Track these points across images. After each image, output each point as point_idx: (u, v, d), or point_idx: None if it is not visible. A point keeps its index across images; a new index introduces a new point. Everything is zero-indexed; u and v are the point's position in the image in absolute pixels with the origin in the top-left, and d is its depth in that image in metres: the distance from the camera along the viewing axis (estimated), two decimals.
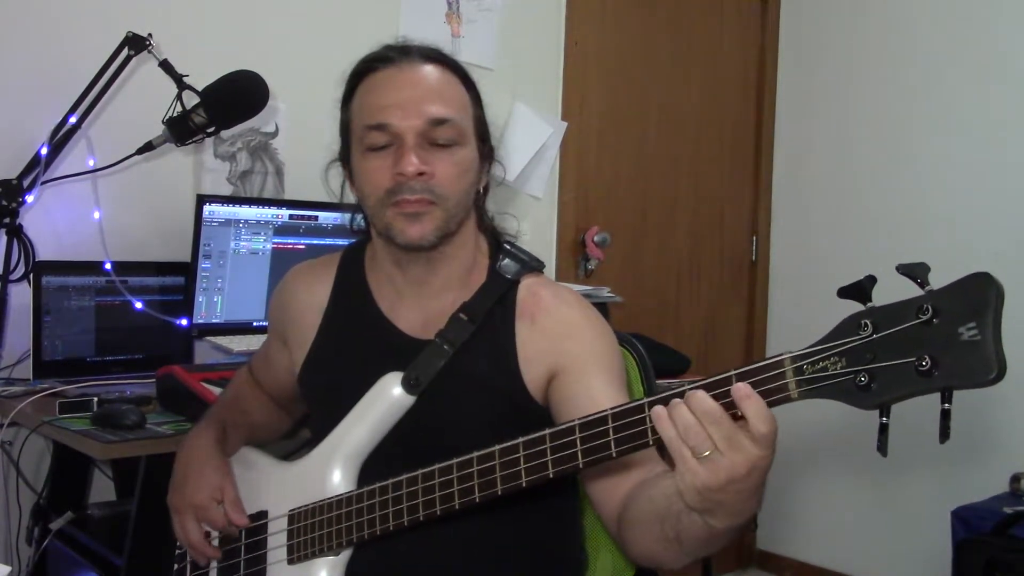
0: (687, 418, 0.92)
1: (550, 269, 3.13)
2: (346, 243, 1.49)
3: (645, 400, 0.98)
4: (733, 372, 0.92)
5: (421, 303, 1.35)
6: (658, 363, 1.66)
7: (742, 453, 0.90)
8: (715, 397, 0.92)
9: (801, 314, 3.65)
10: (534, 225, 3.10)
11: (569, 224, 3.24)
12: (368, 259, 1.43)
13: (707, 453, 0.91)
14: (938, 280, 0.84)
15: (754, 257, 3.81)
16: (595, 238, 3.22)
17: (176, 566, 1.49)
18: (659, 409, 0.94)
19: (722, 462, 0.91)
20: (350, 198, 1.39)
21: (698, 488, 0.92)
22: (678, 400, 0.93)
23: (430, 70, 1.29)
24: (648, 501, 1.11)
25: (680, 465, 0.93)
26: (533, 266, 1.35)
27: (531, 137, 3.03)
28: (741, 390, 0.90)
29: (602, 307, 2.50)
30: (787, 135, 3.75)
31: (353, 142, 1.31)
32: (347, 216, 1.44)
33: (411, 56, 1.29)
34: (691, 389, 0.93)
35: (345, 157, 1.36)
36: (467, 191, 1.31)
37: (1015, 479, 2.92)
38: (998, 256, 3.08)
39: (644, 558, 1.17)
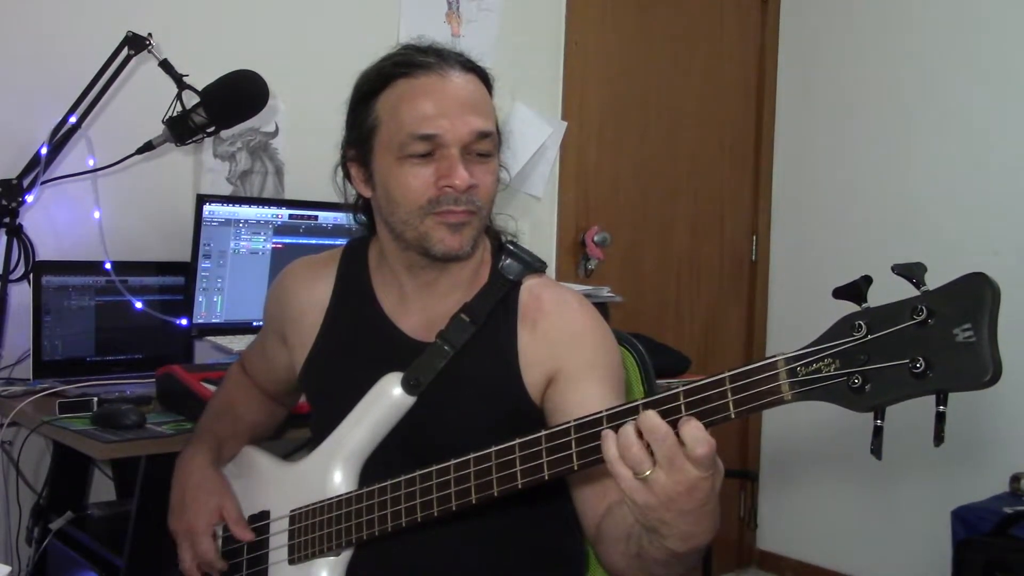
0: (629, 437, 0.94)
1: (550, 269, 3.13)
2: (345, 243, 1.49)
3: (639, 402, 0.98)
4: (727, 374, 0.92)
5: (425, 305, 1.35)
6: (658, 363, 1.66)
7: (681, 473, 0.92)
8: (666, 413, 0.94)
9: (801, 314, 3.65)
10: (534, 225, 3.10)
11: (569, 224, 3.24)
12: (373, 257, 1.42)
13: (648, 473, 0.93)
14: (937, 280, 0.83)
15: (754, 257, 3.81)
16: (595, 238, 3.22)
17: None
18: (608, 432, 0.97)
19: (661, 480, 0.93)
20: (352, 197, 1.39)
21: (640, 506, 0.95)
22: (627, 421, 0.96)
23: (469, 79, 1.28)
24: (619, 517, 1.13)
25: (620, 484, 0.95)
26: (535, 267, 1.35)
27: (531, 137, 3.03)
28: (685, 419, 0.93)
29: (602, 307, 2.50)
30: (787, 135, 3.76)
31: (381, 147, 1.28)
32: (350, 215, 1.43)
33: (450, 63, 1.28)
34: (681, 390, 0.95)
35: (356, 157, 1.33)
36: (495, 199, 1.32)
37: (1015, 479, 2.92)
38: (997, 255, 3.09)
39: (611, 568, 1.20)
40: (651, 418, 0.93)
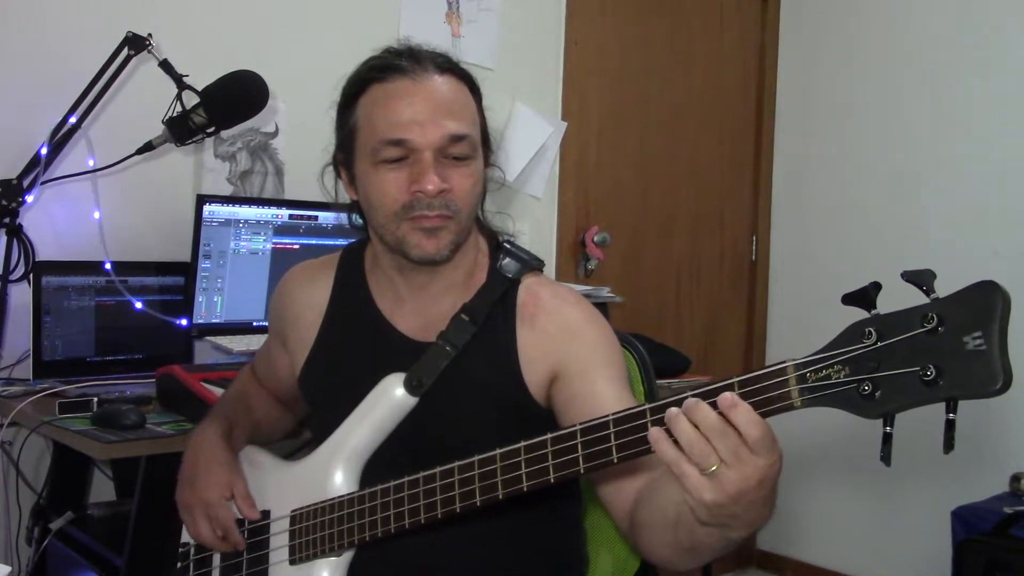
0: (690, 433, 0.90)
1: (550, 269, 3.13)
2: (346, 243, 1.49)
3: (647, 406, 0.97)
4: (735, 379, 0.91)
5: (421, 307, 1.35)
6: (658, 363, 1.66)
7: (749, 465, 0.89)
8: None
9: (801, 314, 3.65)
10: (534, 225, 3.10)
11: (569, 224, 3.24)
12: (368, 260, 1.42)
13: (714, 468, 0.89)
14: (938, 281, 0.83)
15: (754, 257, 3.81)
16: (595, 238, 3.22)
17: (179, 564, 1.49)
18: (656, 431, 0.93)
19: (730, 476, 0.89)
20: (344, 198, 1.38)
21: (708, 505, 0.91)
22: (676, 412, 0.91)
23: (444, 82, 1.27)
24: (659, 507, 1.10)
25: (685, 484, 0.91)
26: (533, 265, 1.35)
27: (531, 137, 3.03)
28: (726, 400, 0.89)
29: (602, 307, 2.49)
30: (787, 135, 3.75)
31: (360, 152, 1.28)
32: (345, 216, 1.43)
33: (424, 65, 1.27)
34: (689, 396, 0.92)
35: (343, 161, 1.34)
36: (478, 201, 1.31)
37: (1015, 479, 2.92)
38: (998, 255, 3.09)
39: (657, 560, 1.17)
40: (708, 414, 0.89)
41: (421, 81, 1.25)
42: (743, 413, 0.88)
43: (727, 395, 0.89)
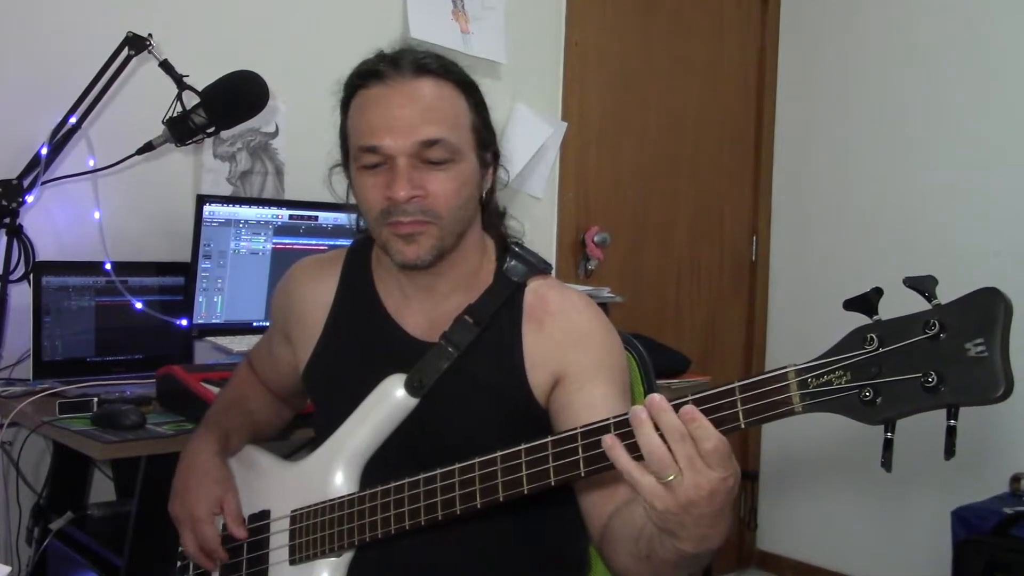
0: (652, 441, 0.92)
1: None
2: (347, 243, 1.49)
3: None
4: (737, 384, 0.92)
5: (428, 306, 1.35)
6: (658, 363, 1.66)
7: (702, 476, 0.90)
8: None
9: (801, 314, 3.65)
10: (534, 225, 3.10)
11: (569, 224, 3.24)
12: (375, 258, 1.42)
13: (671, 477, 0.91)
14: (938, 278, 0.84)
15: (754, 257, 3.81)
16: (595, 238, 3.22)
17: (179, 563, 1.50)
18: (609, 438, 0.95)
19: (683, 486, 0.91)
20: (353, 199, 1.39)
21: (659, 511, 0.93)
22: (643, 419, 0.93)
23: (421, 85, 1.26)
24: (628, 518, 1.12)
25: (639, 491, 0.93)
26: (540, 268, 1.34)
27: (531, 137, 3.03)
28: (687, 413, 0.91)
29: (602, 307, 2.50)
30: (787, 135, 3.75)
31: (351, 156, 1.30)
32: (351, 217, 1.42)
33: (401, 70, 1.26)
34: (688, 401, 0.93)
35: (344, 163, 1.35)
36: (465, 205, 1.29)
37: (1015, 479, 2.92)
38: (998, 255, 3.08)
39: (618, 567, 1.18)
40: (671, 419, 0.91)
41: (395, 86, 1.25)
42: (700, 427, 0.90)
43: (687, 408, 0.91)
